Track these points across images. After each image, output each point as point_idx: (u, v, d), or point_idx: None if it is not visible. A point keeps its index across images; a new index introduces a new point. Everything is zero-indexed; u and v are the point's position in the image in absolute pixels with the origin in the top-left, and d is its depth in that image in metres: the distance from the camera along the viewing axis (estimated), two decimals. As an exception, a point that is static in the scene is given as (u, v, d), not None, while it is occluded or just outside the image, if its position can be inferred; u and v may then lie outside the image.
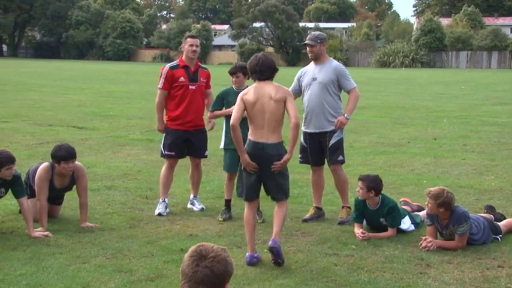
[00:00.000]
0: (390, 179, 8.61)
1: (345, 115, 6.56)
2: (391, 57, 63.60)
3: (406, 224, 6.12)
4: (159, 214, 6.66)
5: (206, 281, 2.48)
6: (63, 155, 6.03)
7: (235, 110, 5.33)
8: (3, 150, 5.85)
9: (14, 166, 5.80)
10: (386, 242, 5.76)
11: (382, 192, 6.19)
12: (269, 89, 5.32)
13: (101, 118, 15.50)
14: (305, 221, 6.54)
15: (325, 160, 6.73)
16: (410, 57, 63.17)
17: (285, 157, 5.26)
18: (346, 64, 64.26)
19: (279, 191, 5.36)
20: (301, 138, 6.72)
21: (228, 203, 6.75)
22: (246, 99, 5.30)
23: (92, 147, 10.97)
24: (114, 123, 14.50)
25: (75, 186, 6.31)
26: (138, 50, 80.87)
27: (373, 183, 5.95)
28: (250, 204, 5.40)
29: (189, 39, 6.99)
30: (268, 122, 5.25)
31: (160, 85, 6.91)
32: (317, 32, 6.81)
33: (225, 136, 6.79)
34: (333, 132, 6.57)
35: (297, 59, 71.36)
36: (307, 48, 6.68)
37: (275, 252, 5.06)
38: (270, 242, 5.10)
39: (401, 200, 6.98)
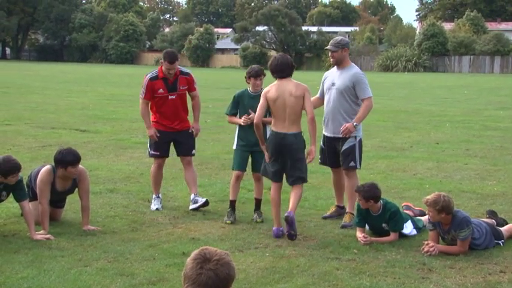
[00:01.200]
0: (392, 183, 8.61)
1: (354, 123, 6.58)
2: (393, 62, 63.63)
3: (408, 228, 6.11)
4: (157, 209, 6.96)
5: (210, 283, 2.47)
6: (72, 159, 6.05)
7: (258, 108, 6.10)
8: (11, 158, 5.80)
9: (20, 173, 5.81)
10: (388, 247, 5.75)
11: (384, 197, 6.17)
12: (289, 86, 6.08)
13: (104, 121, 15.51)
14: (325, 218, 6.72)
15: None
16: (413, 61, 63.19)
17: (310, 149, 6.10)
18: (348, 68, 64.21)
19: (298, 177, 6.11)
20: (321, 141, 6.91)
21: (233, 204, 6.76)
22: (268, 96, 6.08)
23: (95, 150, 10.98)
24: (117, 126, 14.51)
25: (77, 189, 6.31)
26: (141, 53, 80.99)
27: (369, 193, 5.95)
28: (276, 184, 6.23)
29: (166, 64, 7.01)
30: (289, 115, 6.02)
31: (142, 95, 7.18)
32: (339, 37, 6.86)
33: (238, 137, 6.83)
34: (345, 138, 6.64)
35: (299, 62, 71.38)
36: (329, 54, 6.72)
37: (289, 221, 5.78)
38: (286, 213, 5.84)
39: (403, 204, 6.97)
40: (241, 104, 6.78)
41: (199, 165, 9.30)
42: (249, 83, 6.76)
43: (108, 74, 44.23)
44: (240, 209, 7.09)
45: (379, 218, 6.02)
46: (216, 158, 10.21)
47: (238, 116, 6.82)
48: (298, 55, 71.84)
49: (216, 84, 33.91)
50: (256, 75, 6.67)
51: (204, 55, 75.16)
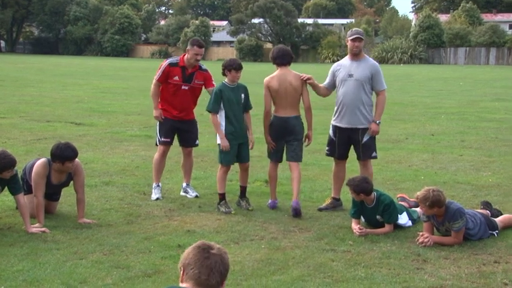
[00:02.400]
0: (388, 175, 8.62)
1: (377, 122, 6.71)
2: (389, 54, 63.62)
3: (403, 219, 6.13)
4: (157, 199, 7.03)
5: (218, 267, 2.47)
6: (70, 155, 6.04)
7: (265, 99, 6.85)
8: (6, 154, 5.73)
9: (15, 168, 5.79)
10: (383, 238, 5.76)
11: (379, 188, 6.18)
12: (289, 77, 6.79)
13: (99, 114, 15.48)
14: (320, 210, 6.75)
15: (355, 154, 6.90)
16: (409, 53, 63.19)
17: (309, 134, 6.88)
18: (344, 60, 64.25)
19: (296, 155, 6.78)
20: (330, 132, 6.95)
21: (222, 196, 6.78)
22: (271, 86, 6.79)
23: (90, 143, 10.96)
24: (112, 119, 14.49)
25: (72, 182, 6.31)
26: (137, 46, 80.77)
27: (359, 187, 5.96)
28: (275, 163, 6.96)
29: (196, 48, 7.09)
30: (290, 102, 6.74)
31: (156, 77, 7.24)
32: (360, 29, 6.95)
33: (227, 132, 6.80)
34: (365, 129, 6.71)
35: (295, 54, 71.05)
36: (355, 43, 6.70)
37: (298, 212, 6.41)
38: (293, 204, 6.46)
39: (398, 196, 7.00)
40: (224, 97, 6.80)
41: (195, 158, 9.27)
42: (226, 76, 6.86)
43: (104, 67, 44.11)
44: (232, 201, 7.10)
45: (373, 210, 6.04)
46: (212, 150, 10.20)
47: (219, 112, 6.79)
48: (294, 47, 71.71)
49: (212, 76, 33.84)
50: (238, 68, 6.76)
51: (199, 48, 75.06)
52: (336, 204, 6.92)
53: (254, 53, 71.69)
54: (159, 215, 6.52)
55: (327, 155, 7.12)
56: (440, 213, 5.65)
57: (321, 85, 6.99)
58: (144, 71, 38.23)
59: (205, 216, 6.47)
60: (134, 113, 15.87)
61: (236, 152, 6.84)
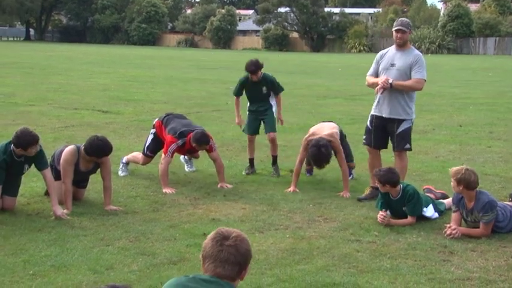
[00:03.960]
0: (414, 166, 8.54)
1: (390, 81, 6.57)
2: (417, 44, 62.76)
3: (429, 211, 6.06)
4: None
5: (232, 259, 2.52)
6: (108, 151, 6.19)
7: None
8: (28, 131, 5.83)
9: (38, 144, 5.85)
10: (409, 229, 5.72)
11: (405, 181, 6.13)
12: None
13: (126, 102, 15.59)
14: (360, 200, 6.74)
15: (389, 145, 6.92)
16: (437, 43, 62.36)
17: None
18: (371, 50, 63.78)
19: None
20: (368, 121, 6.96)
21: (251, 161, 8.06)
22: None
23: (116, 131, 11.05)
24: (138, 108, 14.58)
25: (99, 170, 6.37)
26: (163, 35, 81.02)
27: (385, 177, 5.91)
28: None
29: (195, 146, 7.14)
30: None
31: (168, 155, 7.15)
32: (406, 20, 6.88)
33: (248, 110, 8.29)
34: (402, 120, 6.69)
35: (321, 45, 70.84)
36: (397, 34, 6.68)
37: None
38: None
39: (424, 187, 6.93)
40: (245, 87, 8.14)
41: (220, 147, 9.31)
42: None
43: (130, 55, 44.37)
44: (261, 190, 7.13)
45: (399, 202, 5.98)
46: (237, 139, 10.22)
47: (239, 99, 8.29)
48: (320, 37, 71.31)
49: (237, 65, 33.85)
50: (253, 72, 7.96)
51: (225, 37, 74.94)
52: (376, 193, 6.84)
53: (280, 42, 71.44)
54: (184, 203, 6.55)
55: (364, 144, 7.14)
56: (469, 198, 5.59)
57: (367, 76, 6.91)
58: (170, 60, 38.38)
59: (230, 205, 6.49)
60: (160, 102, 15.94)
61: (258, 125, 8.16)
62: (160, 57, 43.21)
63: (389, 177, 5.91)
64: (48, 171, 5.99)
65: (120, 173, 7.75)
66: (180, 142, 7.16)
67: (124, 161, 7.87)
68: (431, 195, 6.57)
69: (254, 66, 7.83)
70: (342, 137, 7.50)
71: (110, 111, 13.76)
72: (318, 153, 6.86)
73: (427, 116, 14.19)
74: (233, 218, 6.02)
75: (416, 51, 6.81)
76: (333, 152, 7.02)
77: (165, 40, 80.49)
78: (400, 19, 6.88)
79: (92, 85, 20.06)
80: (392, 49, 6.84)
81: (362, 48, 65.72)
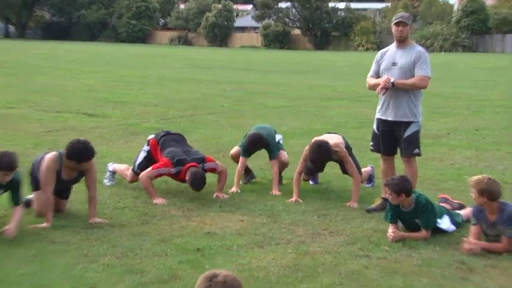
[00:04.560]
0: (428, 173, 8.49)
1: (391, 80, 6.55)
2: (429, 41, 62.91)
3: (445, 223, 5.99)
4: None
5: None
6: (90, 155, 6.10)
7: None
8: (6, 154, 5.62)
9: (12, 174, 5.62)
10: (423, 244, 5.65)
11: (417, 189, 6.07)
12: None
13: (113, 104, 15.55)
14: (369, 211, 6.70)
15: (398, 150, 6.87)
16: (451, 40, 62.47)
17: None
18: (379, 48, 63.72)
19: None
20: (374, 125, 6.95)
21: (246, 168, 7.91)
22: None
23: (103, 136, 11.00)
24: (127, 111, 14.54)
25: (83, 178, 6.30)
26: (154, 32, 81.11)
27: (399, 186, 5.83)
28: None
29: (189, 185, 7.09)
30: None
31: (153, 173, 7.11)
32: (406, 13, 6.91)
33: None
34: (409, 123, 6.66)
35: (325, 42, 70.99)
36: (398, 28, 6.67)
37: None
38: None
39: (439, 196, 6.88)
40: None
41: (216, 153, 9.26)
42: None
43: (119, 53, 44.42)
44: (261, 201, 7.07)
45: (412, 214, 5.90)
46: (235, 145, 10.14)
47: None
48: (324, 34, 71.44)
49: (233, 65, 33.90)
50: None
51: (222, 34, 75.07)
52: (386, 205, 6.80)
53: (280, 40, 71.58)
54: (176, 215, 6.49)
55: (372, 150, 7.10)
56: (491, 210, 5.52)
57: (368, 77, 6.89)
58: (162, 58, 38.42)
59: (227, 217, 6.42)
60: (151, 104, 15.91)
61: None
62: (151, 55, 43.24)
63: (404, 185, 5.84)
64: (20, 209, 5.74)
65: (106, 182, 7.69)
66: (174, 171, 7.11)
67: (111, 169, 7.81)
68: (447, 206, 6.51)
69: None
70: (348, 149, 7.47)
71: (95, 115, 13.71)
72: (318, 150, 6.95)
73: (441, 119, 14.17)
74: (230, 231, 5.95)
75: (419, 47, 6.79)
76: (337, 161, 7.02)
77: (157, 37, 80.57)
78: (399, 13, 6.91)
79: (76, 86, 20.04)
80: (392, 47, 6.82)
81: (369, 46, 65.82)
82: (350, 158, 7.28)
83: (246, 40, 75.55)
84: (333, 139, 7.34)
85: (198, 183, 6.96)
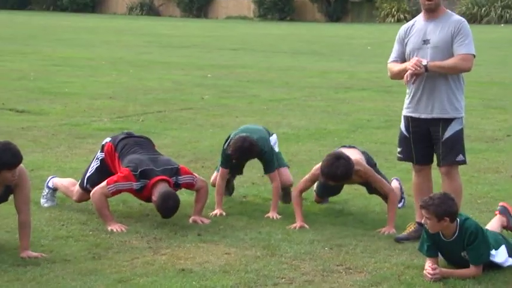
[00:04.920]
0: (479, 189, 8.58)
1: (426, 62, 6.59)
2: (483, 9, 63.08)
3: (500, 255, 6.04)
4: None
5: None
6: (10, 160, 6.04)
7: None
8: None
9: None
10: (472, 284, 5.73)
11: (463, 212, 6.15)
12: None
13: (52, 97, 15.56)
14: (398, 241, 6.79)
15: (435, 158, 6.92)
16: (514, 8, 62.64)
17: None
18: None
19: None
20: (402, 126, 7.00)
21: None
22: None
23: (38, 140, 11.03)
24: (71, 105, 14.55)
25: (12, 197, 6.34)
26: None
27: (442, 208, 5.86)
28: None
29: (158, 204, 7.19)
30: None
31: (110, 189, 7.17)
32: None
33: None
34: (450, 120, 6.71)
35: (341, 11, 71.01)
36: None
37: None
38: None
39: (500, 205, 6.90)
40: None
41: (193, 163, 9.38)
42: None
43: (59, 27, 44.27)
44: (253, 227, 7.14)
45: (456, 245, 5.95)
46: (217, 152, 10.21)
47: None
48: (341, 1, 71.54)
49: (217, 43, 33.90)
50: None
51: (200, 0, 75.11)
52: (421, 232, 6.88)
53: (280, 8, 71.49)
54: (139, 246, 6.56)
55: (400, 159, 7.16)
56: None
57: (390, 63, 6.97)
58: (118, 34, 38.34)
59: (208, 249, 6.49)
60: (103, 96, 15.93)
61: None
62: (103, 30, 43.15)
63: (449, 207, 5.88)
64: None
65: (44, 202, 7.75)
66: (137, 186, 7.16)
67: (51, 185, 7.86)
68: (504, 221, 6.59)
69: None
70: (372, 165, 7.57)
71: (28, 111, 13.72)
72: (336, 164, 6.97)
73: (498, 115, 14.24)
74: (212, 268, 6.02)
75: (457, 16, 6.85)
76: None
77: (111, 5, 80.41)
78: None
79: (0, 71, 20.00)
80: (420, 20, 6.89)
81: (402, 16, 66.00)
82: (377, 175, 7.38)
83: (233, 9, 75.49)
84: (352, 155, 7.41)
85: (168, 207, 7.00)
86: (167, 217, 7.10)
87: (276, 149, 8.07)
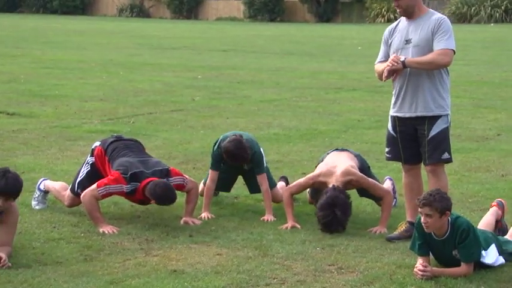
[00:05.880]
0: (470, 189, 8.60)
1: (403, 58, 6.64)
2: (473, 8, 63.20)
3: (491, 255, 6.06)
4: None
5: None
6: (12, 189, 6.04)
7: None
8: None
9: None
10: (463, 283, 5.75)
11: (454, 210, 6.17)
12: None
13: (42, 100, 15.54)
14: (390, 240, 6.83)
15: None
16: (503, 7, 62.80)
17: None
18: (406, 19, 63.58)
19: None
20: (389, 126, 7.03)
21: None
22: None
23: (29, 143, 11.02)
24: (62, 108, 14.55)
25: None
26: (98, 0, 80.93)
27: (444, 203, 5.88)
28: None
29: (152, 201, 7.21)
30: None
31: (100, 191, 7.15)
32: None
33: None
34: (435, 118, 6.74)
35: (332, 11, 71.10)
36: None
37: None
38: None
39: (492, 205, 6.95)
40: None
41: (184, 164, 9.37)
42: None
43: (49, 30, 44.23)
44: (245, 228, 7.15)
45: (447, 243, 5.97)
46: (207, 153, 10.22)
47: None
48: (331, 1, 71.60)
49: (207, 44, 33.91)
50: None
51: (190, 1, 75.06)
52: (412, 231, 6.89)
53: (270, 9, 71.53)
54: (131, 247, 6.56)
55: (388, 159, 7.20)
56: None
57: (377, 64, 7.01)
58: (108, 36, 38.33)
59: (200, 250, 6.51)
60: (94, 98, 15.92)
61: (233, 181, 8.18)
62: (93, 32, 43.12)
63: (448, 201, 5.92)
64: None
65: (34, 204, 7.75)
66: (127, 188, 7.16)
67: (42, 187, 7.86)
68: (492, 219, 6.61)
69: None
70: (365, 169, 7.58)
71: (18, 113, 13.70)
72: (331, 216, 6.95)
73: (488, 115, 14.27)
74: (204, 269, 6.03)
75: (438, 15, 6.88)
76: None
77: (101, 7, 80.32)
78: None
79: (-9, 75, 19.96)
80: (403, 20, 6.93)
81: (392, 15, 66.09)
82: (370, 180, 7.41)
83: (223, 10, 75.49)
84: (343, 163, 7.42)
85: (165, 197, 6.99)
86: (167, 203, 7.13)
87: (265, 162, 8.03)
